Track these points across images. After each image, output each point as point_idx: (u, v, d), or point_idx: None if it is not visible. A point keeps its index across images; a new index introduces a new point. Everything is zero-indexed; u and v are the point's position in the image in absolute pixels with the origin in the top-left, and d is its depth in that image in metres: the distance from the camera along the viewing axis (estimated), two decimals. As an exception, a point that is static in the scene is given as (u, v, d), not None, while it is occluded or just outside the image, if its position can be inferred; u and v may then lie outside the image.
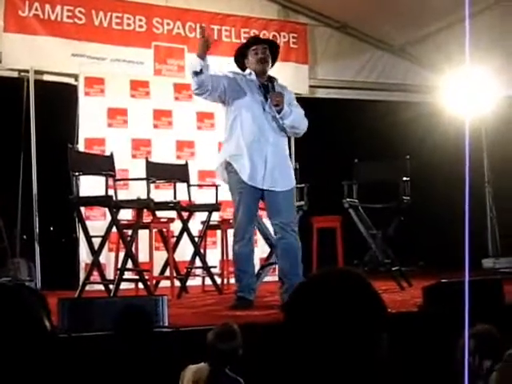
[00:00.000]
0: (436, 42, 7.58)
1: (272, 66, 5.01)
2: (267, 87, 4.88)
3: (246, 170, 4.75)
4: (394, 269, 5.92)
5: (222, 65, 5.54)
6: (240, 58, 5.02)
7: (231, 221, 6.41)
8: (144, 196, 5.44)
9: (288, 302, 1.35)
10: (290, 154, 7.62)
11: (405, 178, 6.01)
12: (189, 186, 6.31)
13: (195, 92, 4.80)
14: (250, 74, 4.92)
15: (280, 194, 4.80)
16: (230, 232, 6.32)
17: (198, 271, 6.30)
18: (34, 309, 1.18)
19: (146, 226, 5.57)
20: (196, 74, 4.62)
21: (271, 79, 4.96)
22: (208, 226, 6.20)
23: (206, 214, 6.15)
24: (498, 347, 2.68)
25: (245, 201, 4.79)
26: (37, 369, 1.14)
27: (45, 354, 1.16)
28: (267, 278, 6.38)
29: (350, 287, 1.28)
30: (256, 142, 4.78)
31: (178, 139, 7.22)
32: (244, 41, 7.46)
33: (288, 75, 7.68)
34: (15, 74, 6.55)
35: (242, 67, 5.02)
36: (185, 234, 6.01)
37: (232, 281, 6.48)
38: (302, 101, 7.73)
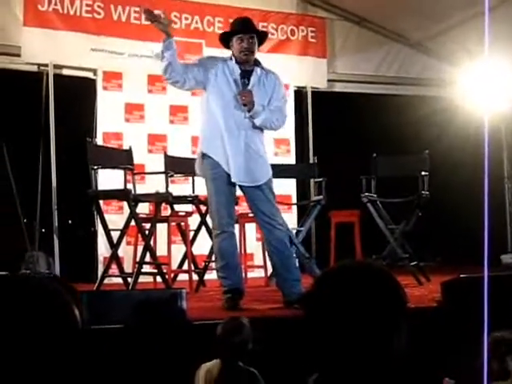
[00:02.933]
0: (454, 36, 7.52)
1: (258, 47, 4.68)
2: (250, 74, 4.61)
3: (228, 165, 4.51)
4: (412, 264, 5.90)
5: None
6: (225, 39, 4.71)
7: (250, 214, 6.44)
8: (161, 190, 5.46)
9: (307, 294, 1.35)
10: (308, 149, 7.67)
11: (423, 173, 5.98)
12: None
13: (167, 81, 4.58)
14: (231, 59, 4.61)
15: (257, 188, 4.55)
16: (248, 226, 6.35)
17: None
18: (66, 302, 1.18)
19: (164, 220, 5.59)
20: (161, 58, 4.38)
21: (256, 64, 4.64)
22: (226, 220, 6.20)
23: (224, 208, 6.15)
24: None
25: (218, 193, 4.53)
26: (67, 363, 1.15)
27: (76, 348, 1.16)
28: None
29: (368, 279, 1.28)
30: (232, 135, 4.50)
31: (194, 134, 7.23)
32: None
33: (306, 69, 7.70)
34: (35, 68, 6.59)
35: (228, 46, 4.70)
36: (203, 228, 6.03)
37: (250, 275, 6.50)
38: (321, 95, 7.79)
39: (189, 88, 4.71)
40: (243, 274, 4.86)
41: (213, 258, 6.15)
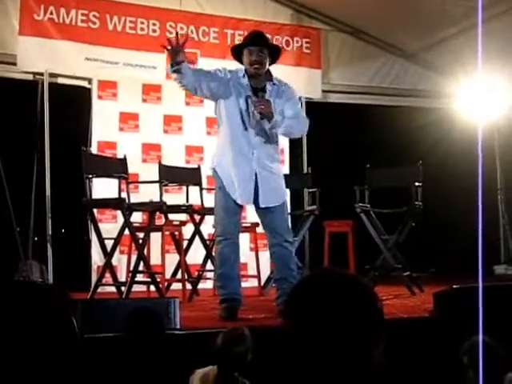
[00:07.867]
0: (449, 48, 7.57)
1: (270, 64, 4.65)
2: (262, 90, 4.58)
3: (234, 187, 4.51)
4: (405, 274, 5.91)
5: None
6: (237, 53, 4.66)
7: (244, 224, 6.44)
8: (155, 199, 5.46)
9: (285, 306, 1.35)
10: (302, 159, 7.69)
11: (417, 184, 6.01)
12: (201, 189, 6.33)
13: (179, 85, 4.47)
14: (244, 76, 4.58)
15: (271, 209, 4.57)
16: (241, 236, 6.31)
17: (210, 274, 6.31)
18: (64, 311, 1.19)
19: (158, 229, 5.60)
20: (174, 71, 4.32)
21: (269, 79, 4.63)
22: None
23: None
24: (496, 361, 2.63)
25: (225, 203, 4.55)
26: (65, 370, 1.15)
27: (75, 355, 1.17)
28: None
29: (342, 288, 1.28)
30: (241, 155, 4.51)
31: (188, 144, 7.26)
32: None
33: (301, 80, 7.71)
34: (30, 77, 6.60)
35: (240, 61, 4.68)
36: (196, 237, 6.03)
37: (244, 284, 6.46)
38: (315, 105, 7.81)
39: (201, 96, 4.69)
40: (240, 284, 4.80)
41: (207, 268, 6.17)
